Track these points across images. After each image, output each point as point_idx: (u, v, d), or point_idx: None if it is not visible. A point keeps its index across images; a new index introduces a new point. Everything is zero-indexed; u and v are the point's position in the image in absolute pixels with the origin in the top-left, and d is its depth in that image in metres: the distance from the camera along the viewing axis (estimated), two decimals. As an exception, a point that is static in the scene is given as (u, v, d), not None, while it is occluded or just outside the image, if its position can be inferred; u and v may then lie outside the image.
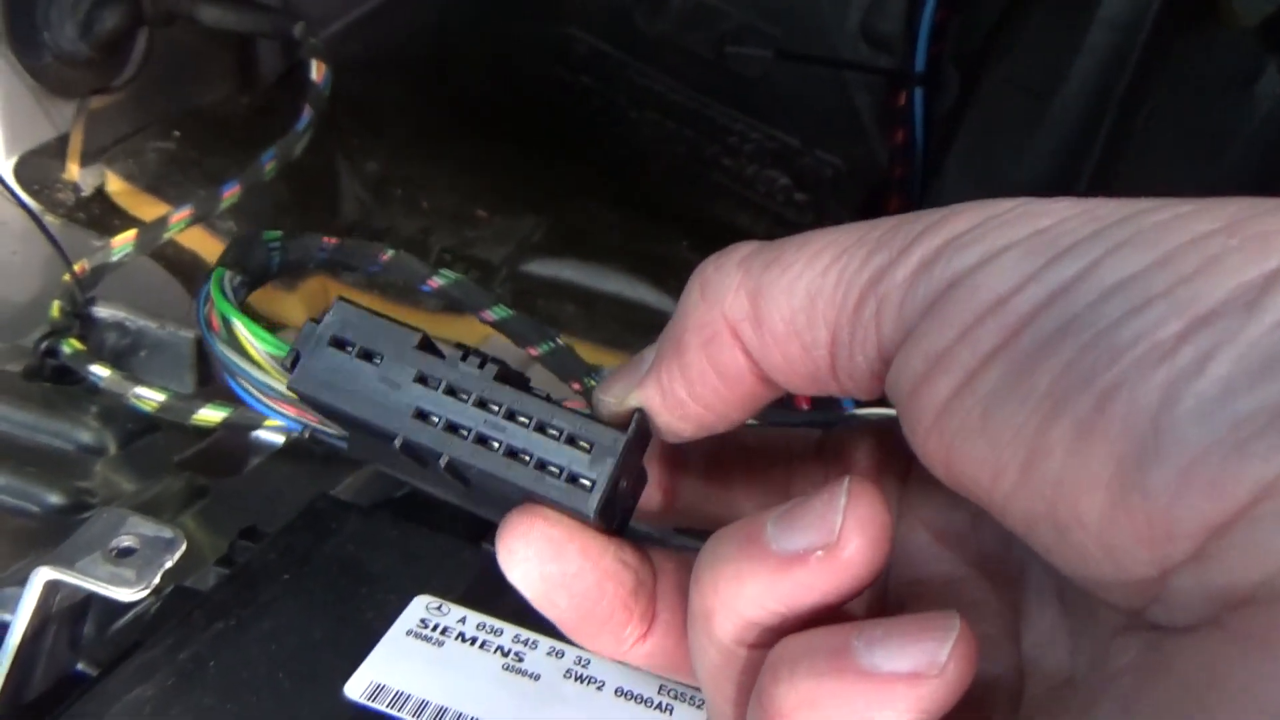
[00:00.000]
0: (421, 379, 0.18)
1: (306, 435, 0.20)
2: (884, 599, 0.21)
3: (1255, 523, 0.13)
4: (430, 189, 0.60)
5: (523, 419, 0.18)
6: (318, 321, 0.19)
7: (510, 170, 0.62)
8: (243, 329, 0.20)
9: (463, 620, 0.27)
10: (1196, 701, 0.13)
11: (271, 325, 0.54)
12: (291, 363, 0.18)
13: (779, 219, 0.64)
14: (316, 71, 0.53)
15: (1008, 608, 0.20)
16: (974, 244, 0.16)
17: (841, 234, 0.18)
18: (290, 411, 0.20)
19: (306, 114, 0.52)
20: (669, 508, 0.23)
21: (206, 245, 0.52)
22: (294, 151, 0.51)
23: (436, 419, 0.18)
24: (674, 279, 0.61)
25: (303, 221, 0.56)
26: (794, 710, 0.16)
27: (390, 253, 0.29)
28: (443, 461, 0.18)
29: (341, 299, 0.19)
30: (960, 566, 0.21)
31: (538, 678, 0.26)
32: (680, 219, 0.63)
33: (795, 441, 0.23)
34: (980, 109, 0.60)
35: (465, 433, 0.18)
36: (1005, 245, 0.16)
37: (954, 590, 0.20)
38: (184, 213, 0.46)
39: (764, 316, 0.18)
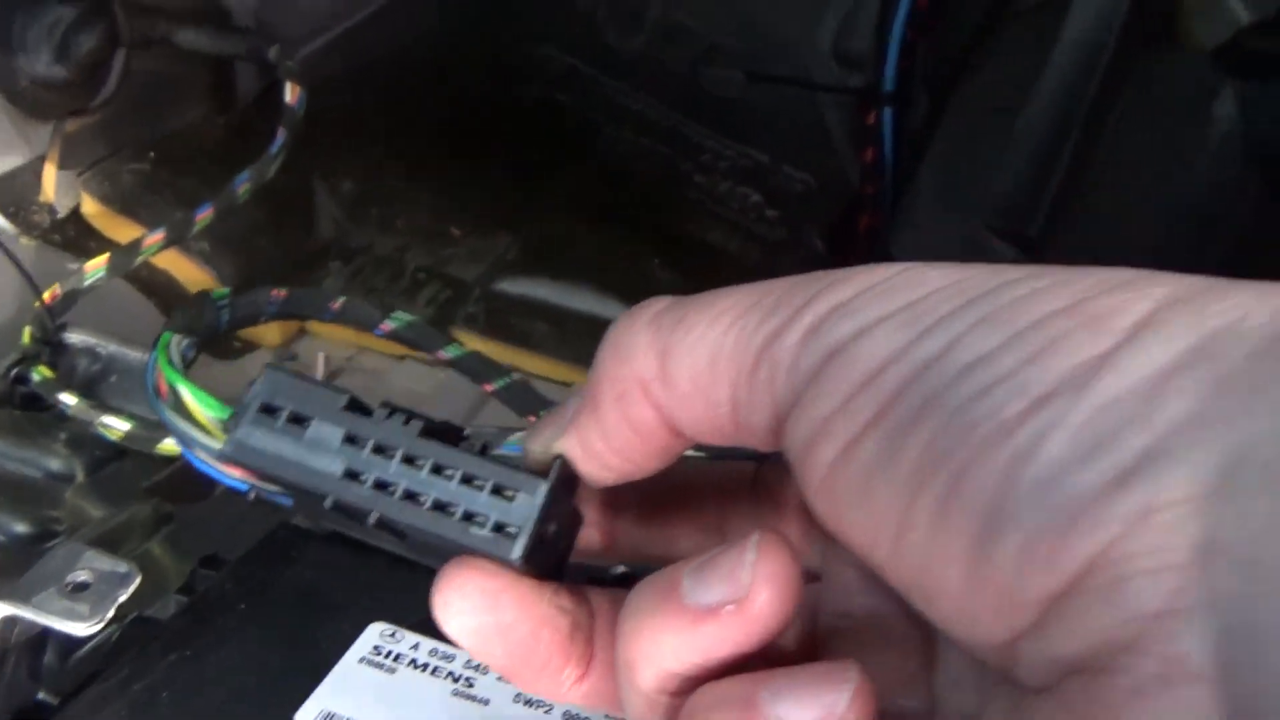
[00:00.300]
0: (350, 439, 0.19)
1: (253, 497, 0.20)
2: (815, 629, 0.22)
3: (1082, 595, 0.14)
4: (406, 207, 0.61)
5: (449, 472, 0.19)
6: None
7: (486, 187, 0.63)
8: (189, 396, 0.20)
9: (415, 647, 0.28)
10: None
11: (246, 346, 0.55)
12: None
13: (750, 235, 0.65)
14: (291, 93, 0.53)
15: (925, 644, 0.20)
16: (854, 313, 0.17)
17: (742, 295, 0.19)
18: (238, 474, 0.20)
19: (280, 136, 0.52)
20: (609, 549, 0.24)
21: (180, 267, 0.52)
22: (268, 173, 0.51)
23: (365, 478, 0.19)
24: (647, 297, 0.61)
25: (277, 242, 0.56)
26: None
27: (341, 300, 0.30)
28: (372, 519, 0.19)
29: (270, 366, 0.20)
30: (885, 602, 0.21)
31: (487, 702, 0.27)
32: (654, 236, 0.64)
33: (730, 476, 0.24)
34: (950, 126, 0.61)
35: (393, 490, 0.19)
36: (881, 316, 0.17)
37: (877, 625, 0.21)
38: (157, 236, 0.47)
39: (671, 375, 0.19)
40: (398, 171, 0.62)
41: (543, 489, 0.19)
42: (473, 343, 0.43)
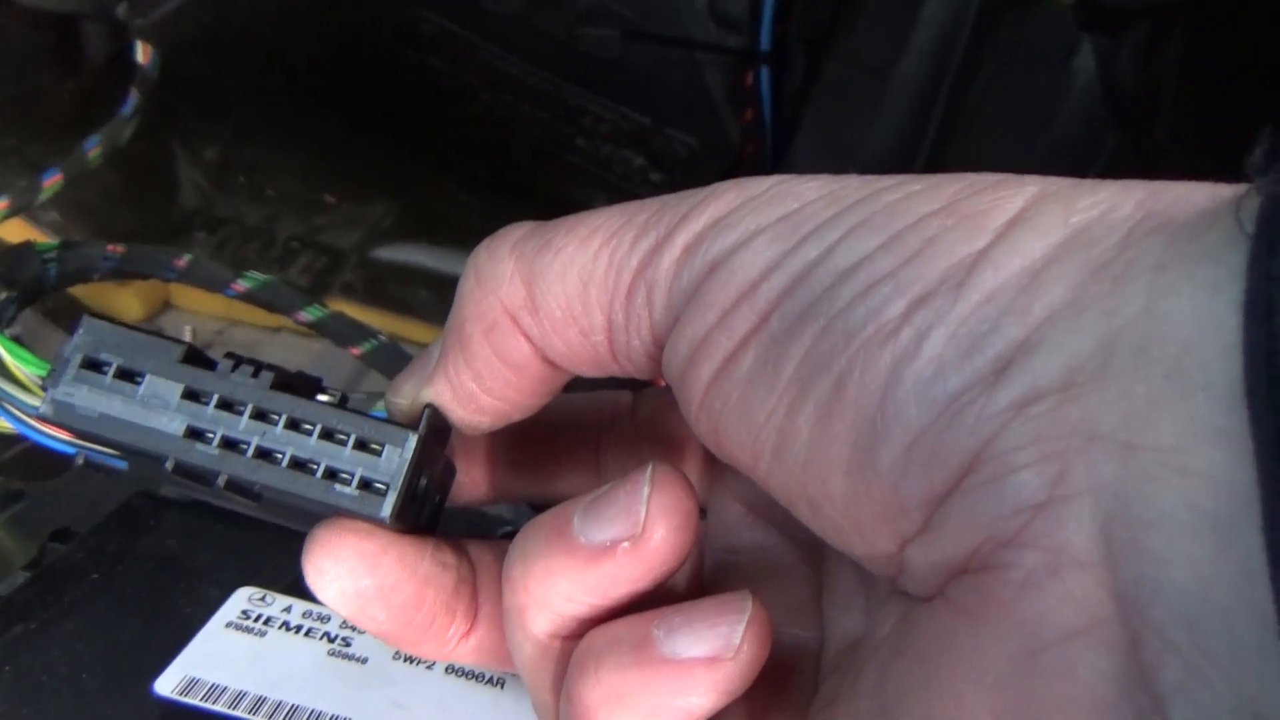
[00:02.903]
0: (191, 395, 0.18)
1: (81, 461, 0.19)
2: (700, 568, 0.22)
3: (965, 494, 0.13)
4: (276, 175, 0.59)
5: (307, 426, 0.18)
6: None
7: (360, 155, 0.61)
8: (3, 350, 0.18)
9: (288, 609, 0.27)
10: (930, 672, 0.14)
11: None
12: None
13: (635, 198, 0.64)
14: (143, 53, 0.51)
15: (813, 572, 0.20)
16: (731, 228, 0.16)
17: (610, 216, 0.18)
18: (63, 435, 0.18)
19: (133, 97, 0.49)
20: (487, 497, 0.23)
21: (29, 238, 0.49)
22: (121, 137, 0.48)
23: (211, 436, 0.17)
24: (530, 260, 0.60)
25: (137, 211, 0.54)
26: (601, 704, 0.16)
27: (186, 258, 0.28)
28: (221, 481, 0.17)
29: (90, 315, 0.18)
30: (770, 534, 0.21)
31: (365, 661, 0.26)
32: (537, 201, 0.63)
33: (607, 407, 0.24)
34: (825, 87, 0.62)
35: (244, 448, 0.17)
36: (757, 229, 0.16)
37: (764, 557, 0.21)
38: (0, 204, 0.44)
39: (540, 304, 0.18)
40: (266, 138, 0.60)
41: (411, 440, 0.18)
42: (352, 312, 0.41)
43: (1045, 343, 0.13)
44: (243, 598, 0.27)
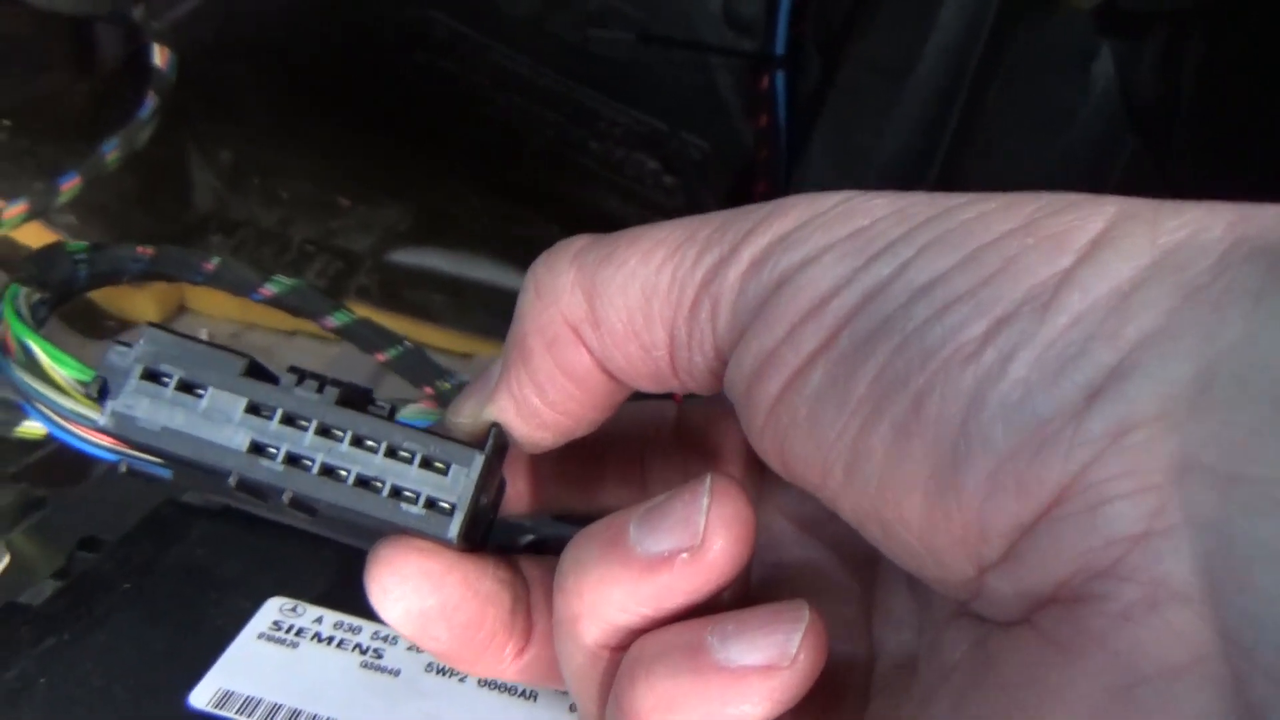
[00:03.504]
0: (253, 409, 0.17)
1: (124, 469, 0.18)
2: (747, 581, 0.21)
3: (1056, 523, 0.13)
4: (290, 177, 0.59)
5: (371, 444, 0.17)
6: (129, 346, 0.17)
7: (374, 157, 0.60)
8: (42, 353, 0.18)
9: (319, 620, 0.27)
10: (1016, 702, 0.14)
11: (121, 325, 0.51)
12: (99, 393, 0.17)
13: (648, 202, 0.64)
14: (159, 56, 0.50)
15: (862, 589, 0.20)
16: (799, 244, 0.16)
17: (673, 230, 0.18)
18: (103, 441, 0.18)
19: (150, 100, 0.49)
20: (529, 510, 0.23)
21: (46, 241, 0.49)
22: (139, 140, 0.48)
23: (275, 451, 0.17)
24: (545, 264, 0.60)
25: (151, 214, 0.53)
26: (652, 711, 0.16)
27: (216, 261, 0.28)
28: (286, 497, 0.17)
29: (151, 325, 0.17)
30: (819, 550, 0.21)
31: (398, 673, 0.26)
32: (550, 204, 0.63)
33: (651, 419, 0.23)
34: (840, 90, 0.61)
35: (309, 464, 0.17)
36: (826, 245, 0.16)
37: (813, 573, 0.21)
38: (18, 208, 0.43)
39: (601, 317, 0.18)
40: (280, 141, 0.59)
41: (478, 460, 0.18)
42: (367, 315, 0.41)
43: (1139, 369, 0.13)
44: (274, 608, 0.27)
